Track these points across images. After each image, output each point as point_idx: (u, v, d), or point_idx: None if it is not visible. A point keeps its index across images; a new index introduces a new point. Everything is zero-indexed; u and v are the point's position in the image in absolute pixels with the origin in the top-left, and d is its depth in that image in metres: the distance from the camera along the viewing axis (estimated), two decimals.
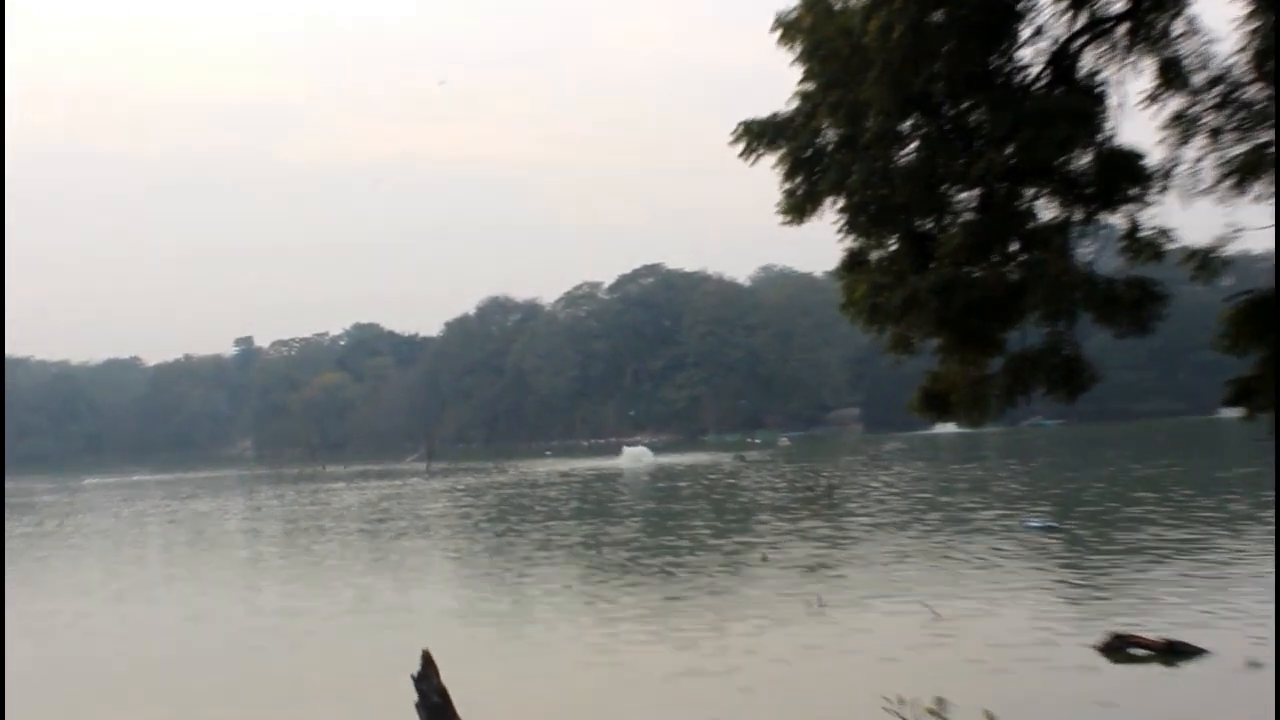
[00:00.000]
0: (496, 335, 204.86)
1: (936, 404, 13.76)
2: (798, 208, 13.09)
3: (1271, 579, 21.66)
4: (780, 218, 13.36)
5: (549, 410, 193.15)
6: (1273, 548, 25.71)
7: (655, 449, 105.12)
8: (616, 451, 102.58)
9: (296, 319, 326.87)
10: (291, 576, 30.19)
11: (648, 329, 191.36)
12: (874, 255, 13.41)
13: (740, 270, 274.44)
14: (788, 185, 13.16)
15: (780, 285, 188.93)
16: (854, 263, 13.54)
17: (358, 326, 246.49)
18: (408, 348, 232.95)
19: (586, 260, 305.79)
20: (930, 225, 13.16)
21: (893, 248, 13.34)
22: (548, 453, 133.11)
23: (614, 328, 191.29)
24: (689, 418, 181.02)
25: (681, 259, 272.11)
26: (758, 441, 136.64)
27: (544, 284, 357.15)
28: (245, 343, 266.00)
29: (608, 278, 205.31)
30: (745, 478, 64.33)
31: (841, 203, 12.96)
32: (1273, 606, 17.17)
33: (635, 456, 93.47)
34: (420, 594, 25.71)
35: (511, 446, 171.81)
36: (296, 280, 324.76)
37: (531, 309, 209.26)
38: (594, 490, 60.47)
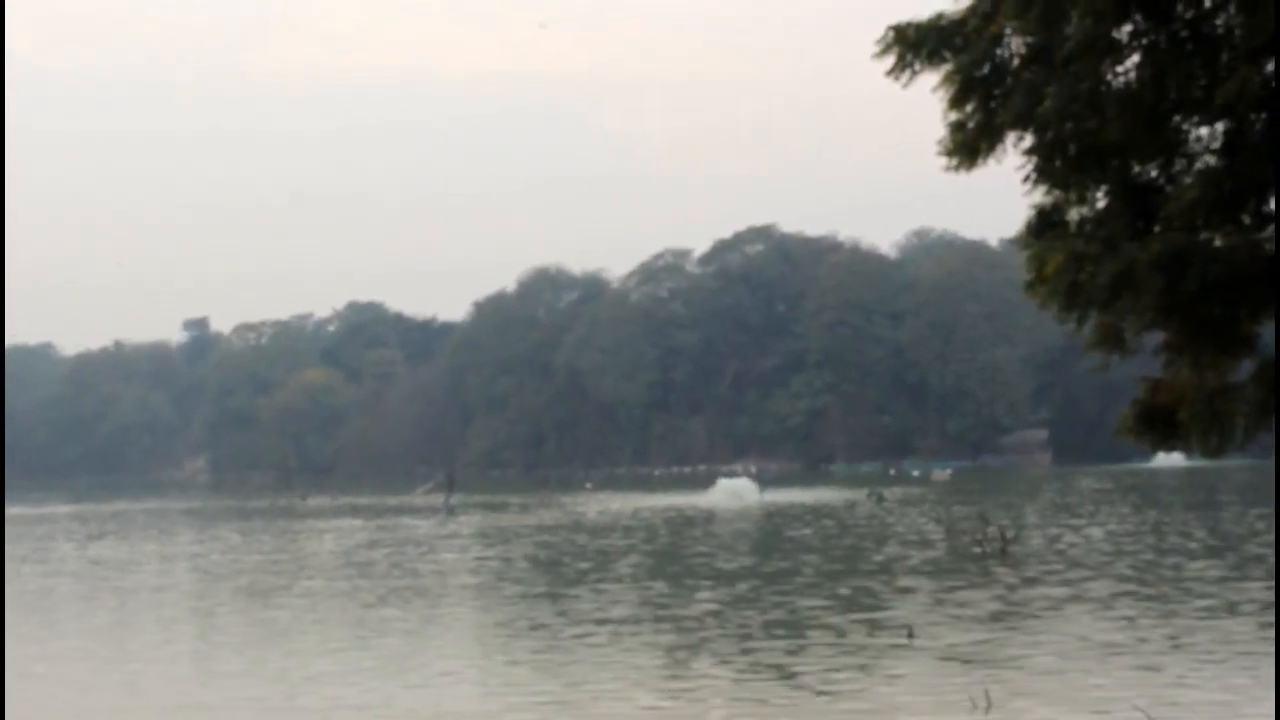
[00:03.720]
0: (544, 321, 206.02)
1: (1158, 424, 13.59)
2: (968, 146, 13.07)
3: None
4: (942, 161, 13.33)
5: (613, 425, 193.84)
6: None
7: (762, 482, 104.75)
8: (706, 484, 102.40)
9: (269, 295, 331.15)
10: (196, 652, 30.21)
11: (754, 315, 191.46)
12: (1074, 214, 13.41)
13: (883, 236, 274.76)
14: (955, 115, 13.14)
15: (939, 257, 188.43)
16: (1045, 225, 13.48)
17: (353, 307, 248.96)
18: (422, 336, 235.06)
19: (670, 223, 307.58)
20: (1155, 172, 13.09)
21: (1101, 204, 13.32)
22: (588, 485, 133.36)
23: (707, 313, 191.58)
24: (809, 439, 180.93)
25: (801, 220, 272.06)
26: (915, 474, 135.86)
27: (611, 252, 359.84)
28: (198, 326, 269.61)
29: (699, 244, 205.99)
30: (886, 524, 63.79)
31: (1030, 140, 12.92)
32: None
33: (733, 492, 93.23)
34: (402, 688, 25.57)
35: (563, 474, 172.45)
36: (270, 243, 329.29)
37: (593, 285, 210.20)
38: (673, 538, 60.18)
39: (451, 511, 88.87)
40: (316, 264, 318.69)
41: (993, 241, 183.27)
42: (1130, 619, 30.91)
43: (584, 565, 48.11)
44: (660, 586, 40.12)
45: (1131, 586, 36.75)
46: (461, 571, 47.33)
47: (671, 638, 30.15)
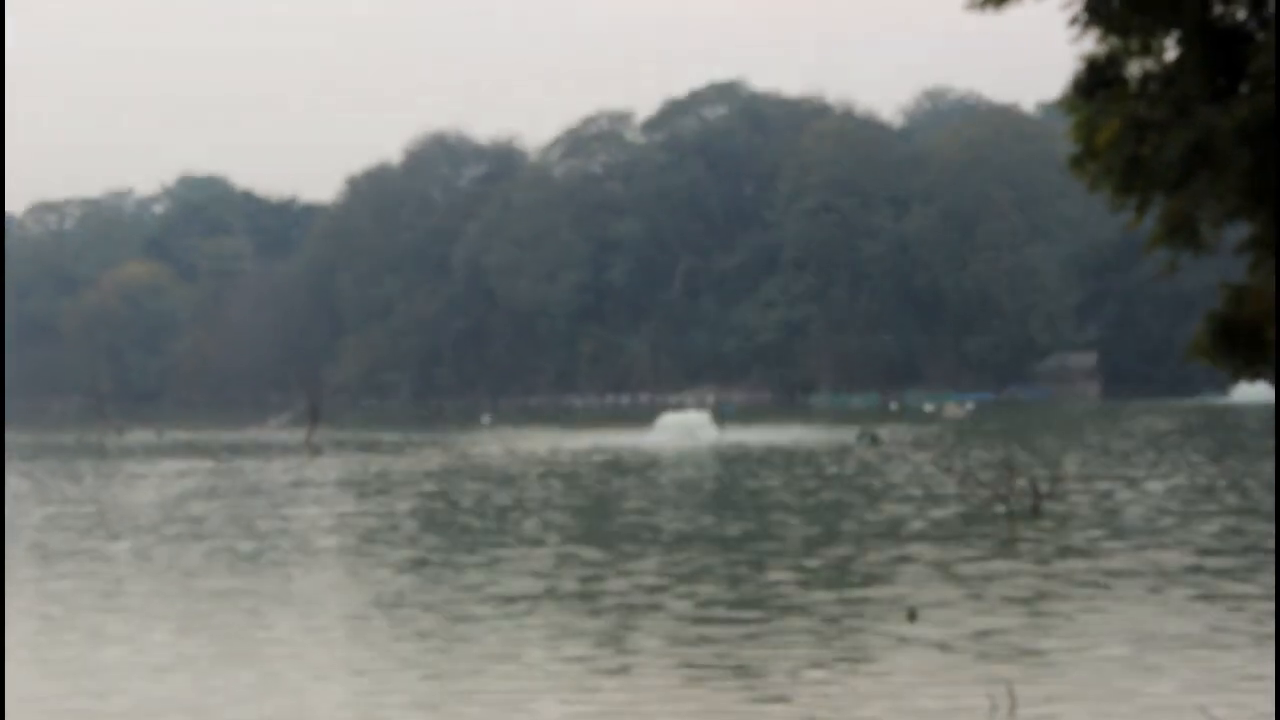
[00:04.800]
0: (440, 204, 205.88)
1: (1241, 345, 13.45)
2: None
3: None
4: None
5: (529, 342, 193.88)
6: None
7: (722, 416, 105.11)
8: (649, 419, 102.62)
9: (76, 164, 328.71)
10: None
11: (714, 199, 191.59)
12: (1136, 67, 13.32)
13: (884, 96, 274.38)
14: None
15: (957, 125, 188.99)
16: (1098, 82, 13.38)
17: (187, 182, 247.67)
18: (278, 222, 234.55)
19: (604, 77, 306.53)
20: (1242, 13, 13.03)
21: (1171, 54, 13.22)
22: (486, 418, 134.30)
23: (653, 195, 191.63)
24: (784, 363, 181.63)
25: (777, 76, 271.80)
26: (928, 409, 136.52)
27: (526, 116, 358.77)
28: None
29: (643, 105, 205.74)
30: (883, 474, 64.06)
31: None
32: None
33: (683, 429, 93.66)
34: (236, 686, 25.30)
35: (463, 404, 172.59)
36: (78, 98, 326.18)
37: (504, 157, 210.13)
38: (601, 489, 60.40)
39: (314, 451, 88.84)
40: (139, 125, 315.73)
41: (1027, 106, 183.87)
42: (1197, 600, 31.01)
43: (481, 524, 48.10)
44: (582, 553, 40.09)
45: (1201, 559, 36.86)
46: (322, 531, 47.24)
47: (595, 622, 30.06)
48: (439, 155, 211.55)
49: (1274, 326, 12.98)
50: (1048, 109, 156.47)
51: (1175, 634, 27.58)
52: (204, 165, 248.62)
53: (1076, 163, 13.12)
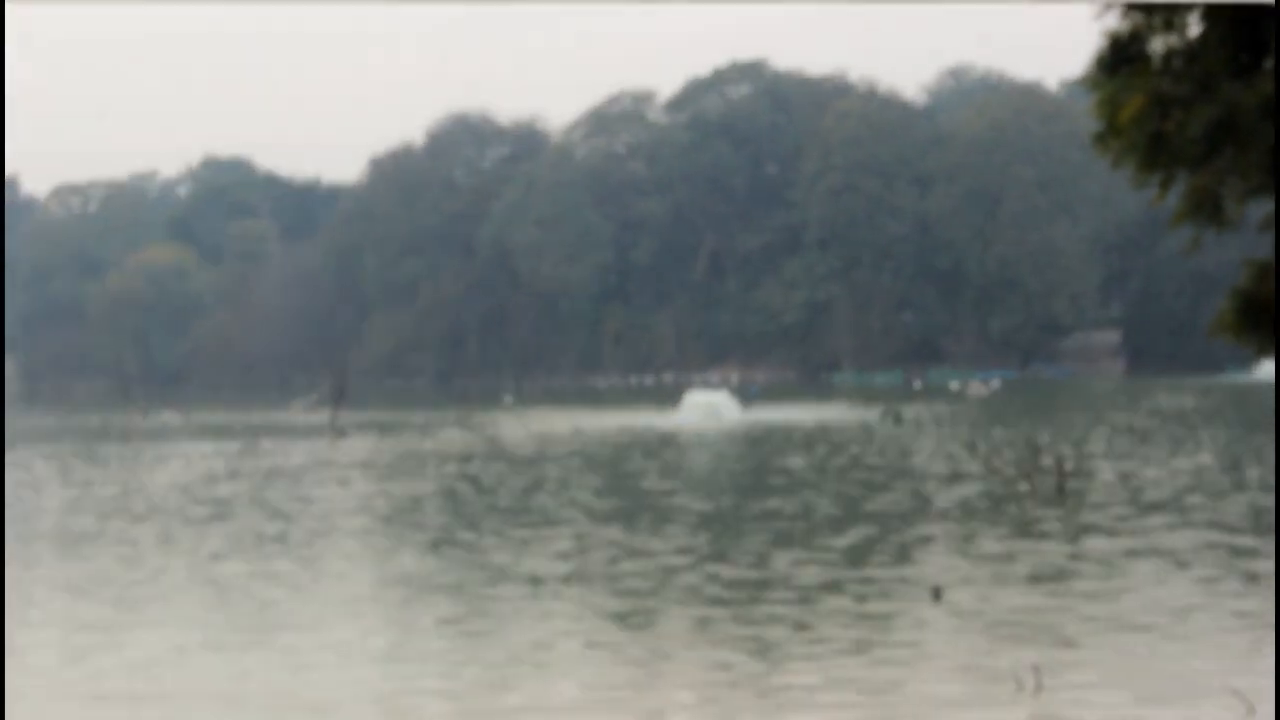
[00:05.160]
0: (463, 185, 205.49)
1: (1264, 322, 13.35)
2: None
3: None
4: None
5: (553, 323, 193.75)
6: None
7: (746, 396, 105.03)
8: (673, 399, 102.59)
9: (99, 147, 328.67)
10: None
11: (737, 179, 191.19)
12: (1159, 44, 13.20)
13: (907, 75, 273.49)
14: None
15: (980, 104, 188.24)
16: (1122, 58, 13.27)
17: (211, 165, 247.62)
18: (302, 204, 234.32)
19: (627, 57, 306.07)
20: None
21: (1194, 30, 13.10)
22: (508, 398, 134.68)
23: (677, 175, 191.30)
24: (807, 341, 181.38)
25: (800, 55, 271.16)
26: (954, 386, 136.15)
27: (550, 95, 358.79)
28: (5, 188, 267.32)
29: (666, 84, 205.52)
30: (906, 452, 63.92)
31: None
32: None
33: (708, 408, 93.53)
34: (259, 667, 25.24)
35: (488, 384, 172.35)
36: (100, 79, 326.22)
37: (527, 137, 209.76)
38: (624, 469, 60.33)
39: (339, 433, 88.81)
40: (163, 107, 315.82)
41: (1050, 84, 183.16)
42: (1223, 578, 30.88)
43: (505, 505, 48.00)
44: (605, 533, 39.97)
45: (1226, 537, 36.69)
46: (347, 513, 47.10)
47: (619, 602, 29.99)
48: (462, 136, 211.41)
49: (1275, 302, 12.91)
50: (1071, 86, 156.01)
51: (1201, 612, 27.48)
52: (227, 148, 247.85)
53: (1100, 140, 13.01)
